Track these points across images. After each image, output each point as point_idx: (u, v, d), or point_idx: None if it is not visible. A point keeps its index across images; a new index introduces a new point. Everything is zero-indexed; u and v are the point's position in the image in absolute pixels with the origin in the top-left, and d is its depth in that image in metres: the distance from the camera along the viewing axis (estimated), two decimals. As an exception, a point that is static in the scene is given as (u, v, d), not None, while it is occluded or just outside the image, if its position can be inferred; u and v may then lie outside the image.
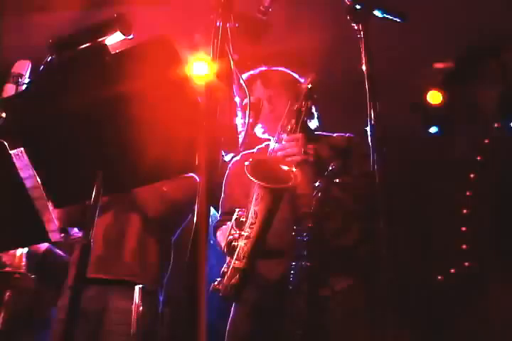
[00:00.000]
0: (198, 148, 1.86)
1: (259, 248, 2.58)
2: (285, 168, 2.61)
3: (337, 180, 2.55)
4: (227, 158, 2.96)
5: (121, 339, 2.80)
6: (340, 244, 2.71)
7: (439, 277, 4.12)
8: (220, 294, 2.60)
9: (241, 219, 2.63)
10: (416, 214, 4.73)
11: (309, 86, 2.71)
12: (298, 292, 2.50)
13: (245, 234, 2.55)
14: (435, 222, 4.47)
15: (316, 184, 2.55)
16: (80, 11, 5.13)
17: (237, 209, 2.68)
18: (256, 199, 2.53)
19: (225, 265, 2.65)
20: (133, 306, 2.69)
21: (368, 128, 2.09)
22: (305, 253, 2.54)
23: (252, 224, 2.54)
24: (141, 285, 2.74)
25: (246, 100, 2.51)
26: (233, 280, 2.55)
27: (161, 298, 3.05)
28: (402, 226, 3.01)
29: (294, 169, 2.58)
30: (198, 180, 3.18)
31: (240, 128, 2.67)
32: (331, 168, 2.54)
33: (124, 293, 2.89)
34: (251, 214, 2.55)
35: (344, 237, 2.73)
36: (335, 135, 3.00)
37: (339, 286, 2.64)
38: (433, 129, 5.39)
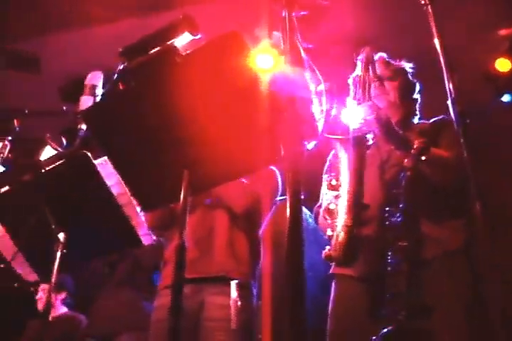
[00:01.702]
0: (282, 139, 1.86)
1: (359, 202, 2.62)
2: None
3: (423, 158, 2.53)
4: (309, 146, 2.96)
5: (222, 335, 2.83)
6: (434, 221, 2.69)
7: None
8: (332, 260, 2.65)
9: (332, 182, 2.68)
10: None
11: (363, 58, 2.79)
12: (397, 272, 2.50)
13: (340, 192, 2.60)
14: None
15: (404, 161, 2.56)
16: (139, 18, 5.22)
17: (325, 175, 2.73)
18: (342, 162, 2.59)
19: (329, 229, 2.69)
20: (231, 302, 2.71)
21: (449, 102, 2.06)
22: (399, 233, 2.55)
23: (344, 182, 2.60)
24: (236, 281, 2.76)
25: (321, 87, 2.51)
26: (340, 240, 2.60)
27: (255, 291, 3.06)
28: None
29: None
30: (276, 171, 3.21)
31: (318, 116, 2.66)
32: (416, 145, 2.53)
33: (219, 289, 2.92)
34: (341, 174, 2.60)
35: (437, 215, 2.71)
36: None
37: (437, 264, 2.63)
38: (506, 98, 5.26)
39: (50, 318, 5.18)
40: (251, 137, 2.01)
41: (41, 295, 5.38)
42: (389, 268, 2.54)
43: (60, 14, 6.05)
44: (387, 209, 2.65)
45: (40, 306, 5.37)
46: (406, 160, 2.55)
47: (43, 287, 5.39)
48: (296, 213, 1.73)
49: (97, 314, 3.88)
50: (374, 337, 2.48)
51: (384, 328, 2.48)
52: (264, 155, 2.03)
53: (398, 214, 2.58)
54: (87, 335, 3.88)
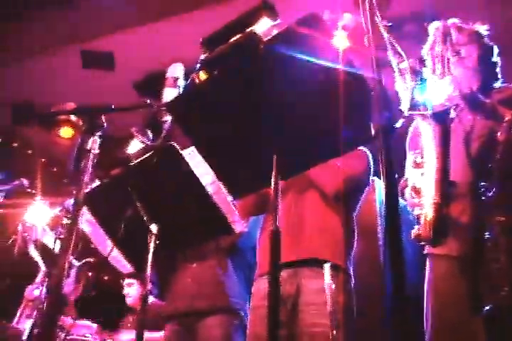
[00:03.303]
0: (373, 118, 1.84)
1: (447, 179, 2.58)
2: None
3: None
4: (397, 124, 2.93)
5: (319, 319, 2.83)
6: None
7: None
8: (422, 240, 2.62)
9: (417, 160, 2.64)
10: None
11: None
12: (497, 247, 2.45)
13: (426, 169, 2.56)
14: None
15: (498, 135, 2.50)
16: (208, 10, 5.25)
17: (409, 153, 2.70)
18: (426, 139, 2.55)
19: (416, 208, 2.66)
20: (325, 285, 2.71)
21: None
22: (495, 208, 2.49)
23: (429, 159, 2.56)
24: (330, 263, 2.75)
25: (403, 64, 2.48)
26: (429, 218, 2.57)
27: (351, 274, 3.04)
28: None
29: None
30: (367, 152, 3.18)
31: (401, 93, 2.62)
32: (509, 118, 2.47)
33: (314, 272, 2.92)
34: (425, 151, 2.57)
35: None
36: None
37: None
38: None
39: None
40: (340, 118, 2.00)
41: (128, 291, 5.52)
42: (489, 244, 2.49)
43: (130, 12, 6.16)
44: (481, 184, 2.59)
45: (128, 301, 5.50)
46: (499, 133, 2.49)
47: (128, 282, 5.52)
48: (392, 193, 1.71)
49: (181, 295, 3.89)
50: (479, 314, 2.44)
51: (486, 306, 2.43)
52: (355, 136, 2.02)
53: (493, 189, 2.52)
54: (171, 318, 3.90)
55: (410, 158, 2.86)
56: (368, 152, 3.19)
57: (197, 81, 2.41)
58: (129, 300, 5.49)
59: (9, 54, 7.03)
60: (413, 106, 2.62)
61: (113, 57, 6.71)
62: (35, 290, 5.02)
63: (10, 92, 7.47)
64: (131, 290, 5.49)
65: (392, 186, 1.71)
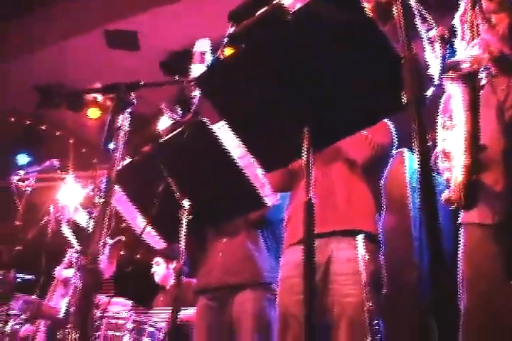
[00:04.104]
0: (405, 85, 1.82)
1: (477, 142, 2.56)
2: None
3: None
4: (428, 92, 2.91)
5: (351, 289, 2.84)
6: None
7: None
8: (452, 203, 2.61)
9: (447, 123, 2.63)
10: None
11: None
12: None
13: (456, 132, 2.55)
14: None
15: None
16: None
17: (440, 116, 2.68)
18: (456, 102, 2.53)
19: (446, 171, 2.66)
20: (358, 255, 2.72)
21: None
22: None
23: (459, 122, 2.55)
24: (362, 234, 2.76)
25: (433, 32, 2.45)
26: (459, 181, 2.56)
27: (381, 243, 3.04)
28: None
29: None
30: (389, 123, 3.17)
31: (431, 62, 2.60)
32: None
33: (346, 243, 2.92)
34: (455, 114, 2.55)
35: None
36: None
37: None
38: None
39: (169, 287, 5.43)
40: (371, 87, 1.99)
41: (156, 269, 5.58)
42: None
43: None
44: None
45: (156, 279, 5.57)
46: None
47: (156, 261, 5.58)
48: (426, 161, 1.70)
49: (213, 271, 3.92)
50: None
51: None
52: (387, 105, 2.01)
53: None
54: (203, 293, 3.94)
55: (441, 121, 2.83)
56: (391, 123, 3.19)
57: (221, 57, 2.42)
58: (157, 279, 5.56)
59: (35, 38, 7.09)
60: (443, 73, 2.59)
61: (137, 37, 6.73)
62: (65, 270, 5.11)
63: (37, 76, 7.54)
64: (159, 269, 5.56)
65: (425, 154, 1.70)
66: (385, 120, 3.17)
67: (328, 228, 2.95)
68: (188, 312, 4.47)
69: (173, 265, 5.47)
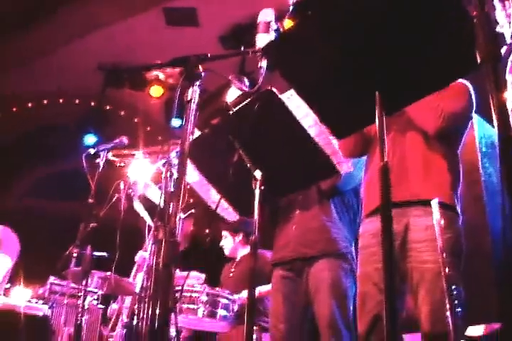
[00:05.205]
0: (478, 43, 1.77)
1: None
2: None
3: None
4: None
5: (430, 256, 2.81)
6: None
7: None
8: None
9: None
10: None
11: None
12: None
13: None
14: None
15: None
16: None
17: (509, 76, 2.61)
18: None
19: None
20: (434, 221, 2.68)
21: None
22: None
23: None
24: (437, 200, 2.71)
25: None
26: None
27: (458, 211, 2.99)
28: None
29: None
30: (468, 85, 3.06)
31: (502, 21, 2.52)
32: None
33: (422, 211, 2.88)
34: None
35: None
36: None
37: None
38: None
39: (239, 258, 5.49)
40: (444, 47, 1.94)
41: (223, 243, 5.64)
42: None
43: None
44: None
45: (225, 252, 5.63)
46: None
47: (223, 234, 5.64)
48: (504, 124, 1.63)
49: (287, 243, 3.93)
50: None
51: None
52: (460, 65, 1.96)
53: None
54: (278, 264, 3.96)
55: (510, 81, 2.74)
56: (469, 84, 3.08)
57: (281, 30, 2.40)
58: (226, 251, 5.63)
59: (93, 20, 7.17)
60: None
61: (196, 13, 6.74)
62: (145, 254, 5.18)
63: (98, 58, 7.64)
64: (226, 242, 5.63)
65: (503, 116, 1.65)
66: (462, 80, 3.07)
67: (402, 198, 2.90)
68: (265, 287, 4.53)
69: (239, 237, 5.54)
